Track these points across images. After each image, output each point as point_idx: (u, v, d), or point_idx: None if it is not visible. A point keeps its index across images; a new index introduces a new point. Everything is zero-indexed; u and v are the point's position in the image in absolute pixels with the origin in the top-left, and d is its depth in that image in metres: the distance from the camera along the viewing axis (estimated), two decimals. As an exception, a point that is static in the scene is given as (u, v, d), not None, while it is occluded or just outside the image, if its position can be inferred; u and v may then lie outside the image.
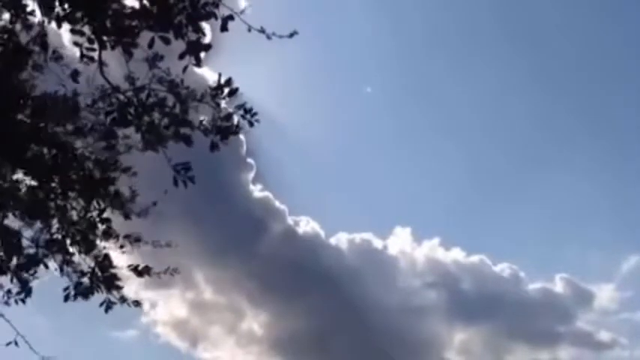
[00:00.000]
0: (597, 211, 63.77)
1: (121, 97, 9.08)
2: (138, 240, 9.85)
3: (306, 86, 55.61)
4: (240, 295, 46.54)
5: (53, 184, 9.17)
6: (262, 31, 8.60)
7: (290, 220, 46.78)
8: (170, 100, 9.28)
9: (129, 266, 9.76)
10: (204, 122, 9.23)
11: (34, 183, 9.26)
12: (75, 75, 8.66)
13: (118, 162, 9.45)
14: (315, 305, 43.34)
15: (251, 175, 42.66)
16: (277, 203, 46.02)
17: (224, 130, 8.98)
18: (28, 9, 8.58)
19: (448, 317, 52.70)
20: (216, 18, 8.01)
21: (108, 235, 9.68)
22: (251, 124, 8.80)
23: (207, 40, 8.57)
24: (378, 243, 51.94)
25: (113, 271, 9.68)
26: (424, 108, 62.76)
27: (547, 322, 51.88)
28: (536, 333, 50.26)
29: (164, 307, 45.27)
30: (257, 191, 44.32)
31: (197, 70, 8.59)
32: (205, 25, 8.47)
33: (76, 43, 8.60)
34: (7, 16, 8.65)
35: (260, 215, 44.37)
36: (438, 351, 49.23)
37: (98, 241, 9.63)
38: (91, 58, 8.67)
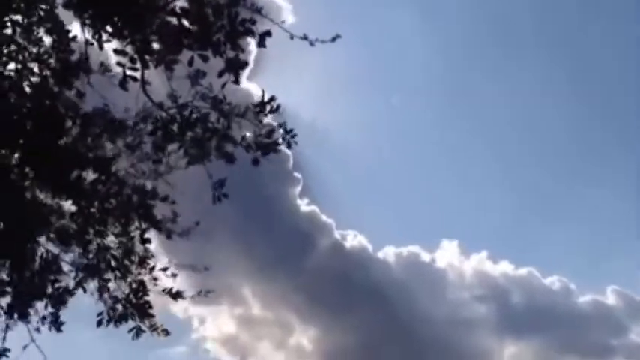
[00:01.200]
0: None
1: (164, 114, 9.17)
2: (174, 275, 9.79)
3: (351, 96, 55.07)
4: (289, 309, 46.57)
5: (92, 210, 9.28)
6: (305, 38, 8.54)
7: (337, 234, 46.43)
8: (213, 117, 9.32)
9: (163, 290, 9.71)
10: (246, 138, 9.24)
11: (73, 208, 9.41)
12: (123, 83, 8.67)
13: (157, 190, 9.47)
14: (364, 319, 42.91)
15: (298, 189, 42.55)
16: (324, 217, 45.65)
17: (265, 146, 8.98)
18: (71, 34, 8.74)
19: (498, 330, 51.32)
20: (253, 35, 7.99)
21: (144, 262, 9.71)
22: (289, 145, 8.83)
23: (248, 54, 8.62)
24: (425, 256, 51.05)
25: (147, 298, 9.64)
26: (468, 120, 61.47)
27: (599, 335, 49.81)
28: (589, 346, 48.43)
29: (213, 323, 45.69)
30: (304, 205, 44.16)
31: (242, 85, 8.64)
32: (249, 40, 8.51)
33: (119, 64, 8.71)
34: (49, 40, 8.82)
35: (307, 230, 43.93)
36: (488, 366, 48.23)
37: (134, 268, 9.67)
38: (134, 78, 8.78)
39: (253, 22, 7.93)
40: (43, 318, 9.53)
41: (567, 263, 60.17)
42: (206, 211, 10.17)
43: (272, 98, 8.86)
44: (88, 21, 8.51)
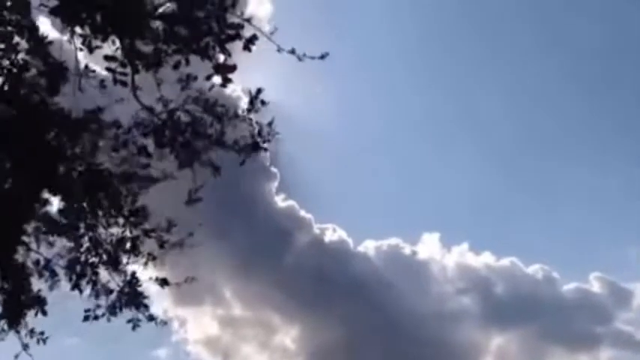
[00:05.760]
0: (628, 209, 60.93)
1: (155, 119, 9.15)
2: (154, 258, 9.83)
3: (330, 91, 54.60)
4: (270, 308, 45.73)
5: (83, 204, 9.31)
6: (292, 52, 8.50)
7: (316, 229, 46.05)
8: (205, 119, 9.30)
9: (150, 278, 9.86)
10: (238, 142, 9.25)
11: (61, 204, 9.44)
12: (102, 85, 8.77)
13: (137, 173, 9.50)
14: (347, 315, 42.27)
15: (275, 184, 42.18)
16: (302, 212, 45.30)
17: (253, 146, 9.06)
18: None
19: (483, 322, 50.90)
20: (241, 39, 7.98)
21: (135, 252, 9.74)
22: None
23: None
24: (406, 249, 50.86)
25: (140, 289, 9.80)
26: (450, 112, 61.41)
27: (585, 323, 49.33)
28: (575, 335, 48.08)
29: (194, 325, 45.18)
30: (281, 201, 43.86)
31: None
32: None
33: (109, 69, 8.71)
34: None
35: (286, 225, 43.29)
36: (475, 357, 47.88)
37: (125, 259, 9.74)
38: (124, 83, 8.75)
39: (241, 27, 7.91)
40: (31, 332, 9.60)
41: (549, 252, 59.91)
42: (182, 210, 10.09)
43: (259, 91, 8.85)
44: (76, 27, 8.47)
